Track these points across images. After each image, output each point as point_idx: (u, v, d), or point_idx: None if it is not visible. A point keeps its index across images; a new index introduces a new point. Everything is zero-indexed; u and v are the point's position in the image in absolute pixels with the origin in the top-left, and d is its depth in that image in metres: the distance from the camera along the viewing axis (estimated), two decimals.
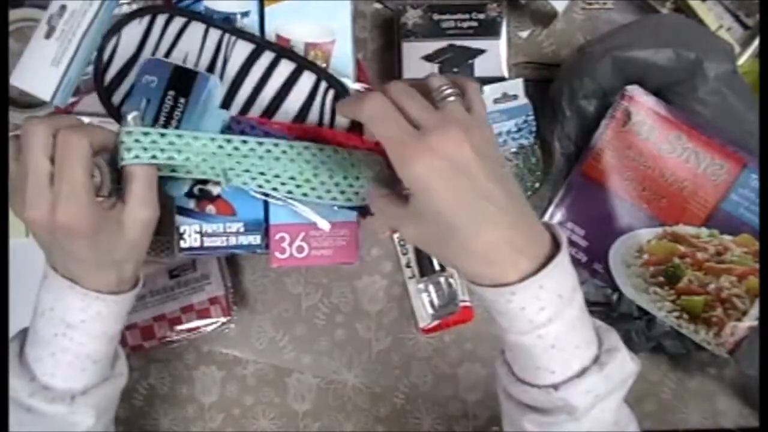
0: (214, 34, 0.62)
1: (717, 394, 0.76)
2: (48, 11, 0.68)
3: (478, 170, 0.45)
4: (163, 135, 0.56)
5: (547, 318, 0.46)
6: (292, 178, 0.58)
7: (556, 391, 0.47)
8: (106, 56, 0.63)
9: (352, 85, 0.62)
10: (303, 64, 0.62)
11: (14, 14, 0.73)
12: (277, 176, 0.58)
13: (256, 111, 0.61)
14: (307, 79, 0.62)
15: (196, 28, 0.62)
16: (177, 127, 0.58)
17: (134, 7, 0.70)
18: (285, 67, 0.62)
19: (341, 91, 0.62)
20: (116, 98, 0.62)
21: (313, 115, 0.62)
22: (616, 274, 0.70)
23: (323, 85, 0.62)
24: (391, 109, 0.47)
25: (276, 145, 0.58)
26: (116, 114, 0.61)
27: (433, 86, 0.49)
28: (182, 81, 0.59)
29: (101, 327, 0.54)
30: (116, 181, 0.55)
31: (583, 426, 0.48)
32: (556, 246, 0.48)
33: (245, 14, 0.64)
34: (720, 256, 0.67)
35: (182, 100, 0.58)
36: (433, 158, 0.44)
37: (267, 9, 0.63)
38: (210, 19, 0.63)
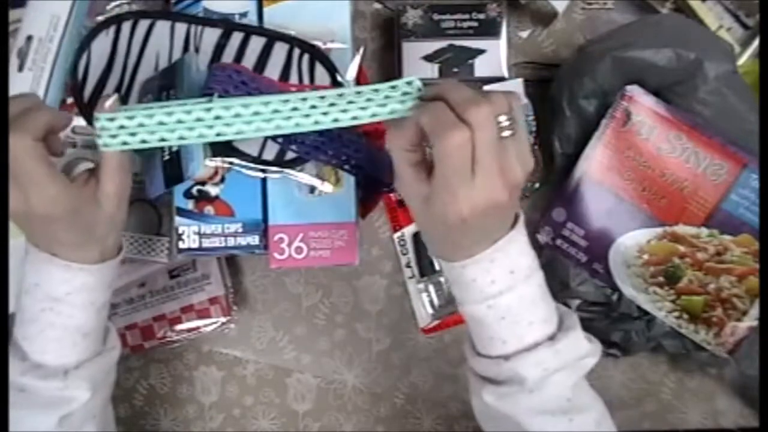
0: (180, 28, 0.62)
1: (717, 394, 0.75)
2: (15, 45, 0.67)
3: (506, 206, 0.47)
4: (150, 116, 0.52)
5: (498, 290, 0.49)
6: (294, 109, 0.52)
7: (506, 361, 0.50)
8: (80, 74, 0.63)
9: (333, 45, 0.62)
10: (273, 36, 0.62)
11: (14, 14, 0.73)
12: (277, 111, 0.52)
13: None
14: (280, 50, 0.62)
15: (163, 27, 0.62)
16: None
17: (134, 7, 0.70)
18: (256, 43, 0.62)
19: (315, 54, 0.61)
20: None
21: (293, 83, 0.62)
22: (616, 274, 0.70)
23: (297, 51, 0.62)
24: (468, 158, 0.45)
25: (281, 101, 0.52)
26: None
27: (496, 108, 0.47)
28: (167, 77, 0.59)
29: (88, 297, 0.54)
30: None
31: (535, 398, 0.50)
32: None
33: (244, 15, 0.64)
34: (720, 256, 0.67)
35: (172, 92, 0.57)
36: (475, 202, 0.46)
37: (266, 9, 0.63)
38: (174, 15, 0.62)
